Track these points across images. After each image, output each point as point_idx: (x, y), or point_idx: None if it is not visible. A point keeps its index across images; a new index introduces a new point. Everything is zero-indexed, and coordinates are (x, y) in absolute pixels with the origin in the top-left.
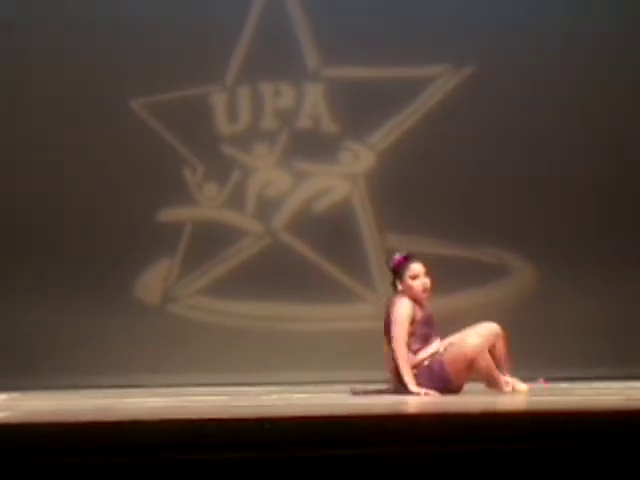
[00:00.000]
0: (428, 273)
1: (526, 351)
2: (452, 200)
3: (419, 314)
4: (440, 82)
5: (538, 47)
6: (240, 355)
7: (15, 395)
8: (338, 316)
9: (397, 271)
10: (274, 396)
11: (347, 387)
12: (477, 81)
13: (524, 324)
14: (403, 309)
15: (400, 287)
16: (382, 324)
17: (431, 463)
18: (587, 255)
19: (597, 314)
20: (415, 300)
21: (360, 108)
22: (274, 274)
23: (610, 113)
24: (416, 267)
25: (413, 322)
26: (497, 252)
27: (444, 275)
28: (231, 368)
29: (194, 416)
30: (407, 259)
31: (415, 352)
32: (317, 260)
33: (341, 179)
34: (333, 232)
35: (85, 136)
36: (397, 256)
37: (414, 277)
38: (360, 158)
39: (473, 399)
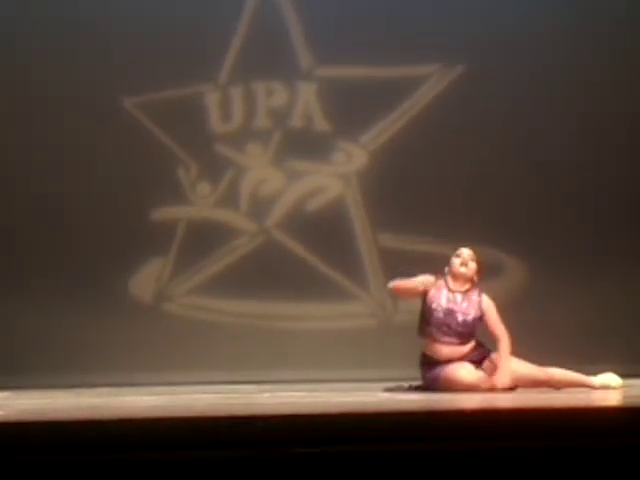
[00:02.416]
0: (478, 263)
1: (521, 349)
2: (445, 199)
3: (440, 301)
4: (432, 81)
5: (530, 46)
6: (233, 353)
7: (8, 394)
8: (331, 314)
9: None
10: (266, 394)
11: (341, 385)
12: (469, 80)
13: (518, 322)
14: (419, 277)
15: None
16: (375, 322)
17: (423, 461)
18: (585, 255)
19: (593, 313)
20: (452, 277)
21: (353, 107)
22: (267, 273)
23: (609, 113)
24: (463, 249)
25: (429, 308)
26: (491, 250)
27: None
28: (224, 366)
29: (187, 414)
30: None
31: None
32: (310, 259)
33: (334, 178)
34: (326, 231)
35: (79, 135)
36: None
37: (457, 255)
38: (353, 157)
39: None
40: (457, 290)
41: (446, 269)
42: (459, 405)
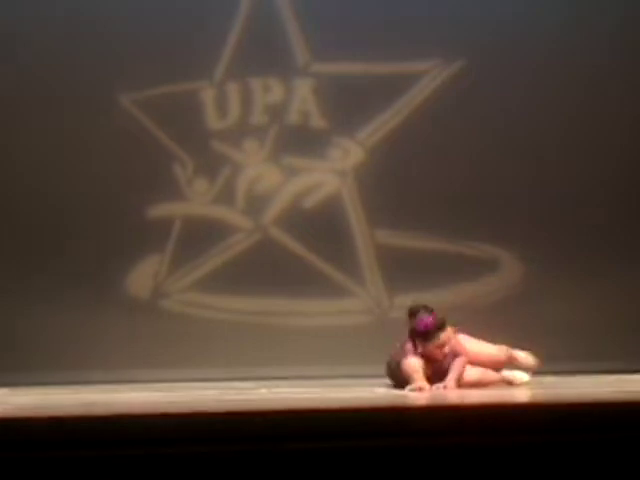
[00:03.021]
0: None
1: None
2: (442, 195)
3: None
4: (430, 77)
5: (530, 41)
6: (230, 350)
7: (5, 391)
8: (327, 311)
9: (424, 335)
10: (263, 390)
11: (337, 381)
12: (467, 76)
13: (515, 321)
14: (413, 366)
15: (420, 349)
16: (372, 319)
17: (421, 456)
18: (585, 254)
19: (592, 312)
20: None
21: (349, 104)
22: (264, 270)
23: (609, 113)
24: (445, 337)
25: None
26: (487, 247)
27: (434, 270)
28: (221, 363)
29: (185, 410)
30: (437, 327)
31: None
32: (307, 255)
33: (330, 174)
34: (323, 227)
35: (75, 133)
36: (426, 319)
37: (437, 347)
38: (349, 153)
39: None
40: (442, 362)
41: (420, 348)
42: (455, 401)
